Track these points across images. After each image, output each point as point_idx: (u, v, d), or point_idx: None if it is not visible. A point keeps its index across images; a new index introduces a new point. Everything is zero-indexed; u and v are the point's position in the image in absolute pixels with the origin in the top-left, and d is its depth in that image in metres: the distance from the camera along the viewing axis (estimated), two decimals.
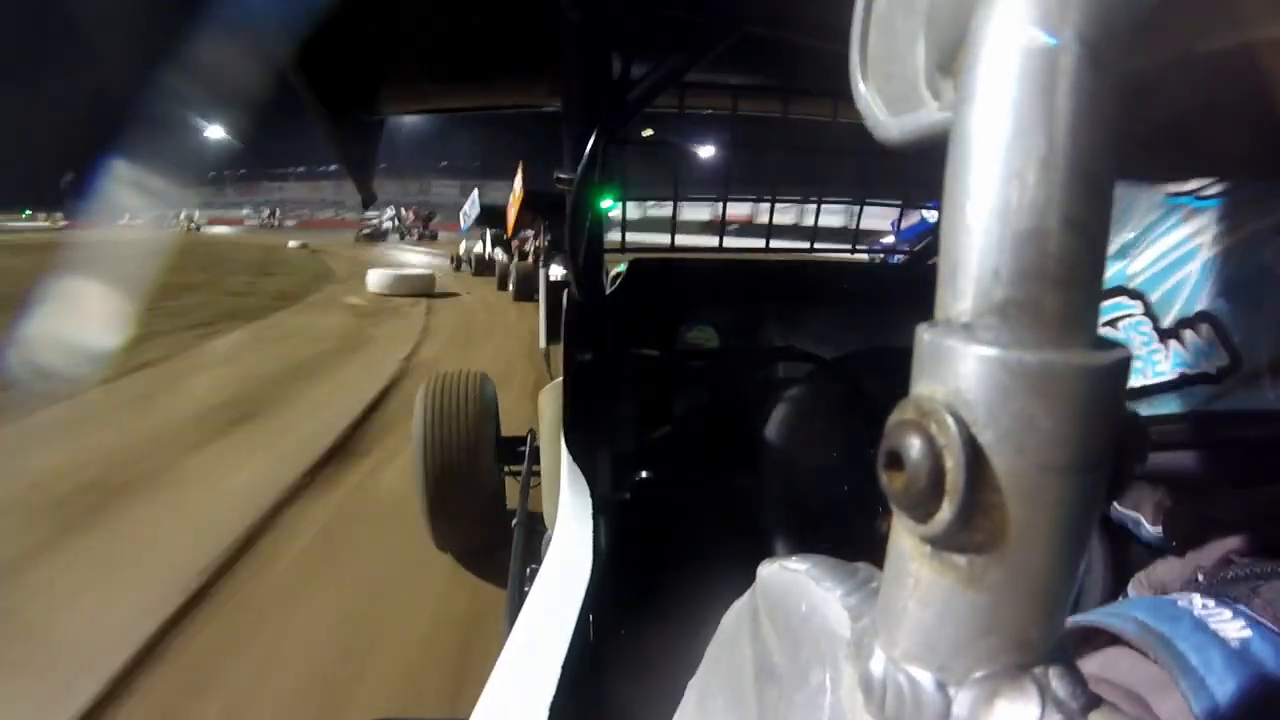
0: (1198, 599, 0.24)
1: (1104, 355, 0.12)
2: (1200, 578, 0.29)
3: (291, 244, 18.86)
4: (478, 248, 12.87)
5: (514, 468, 2.01)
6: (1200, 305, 0.31)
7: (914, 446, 0.12)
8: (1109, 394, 0.12)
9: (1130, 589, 0.34)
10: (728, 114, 1.10)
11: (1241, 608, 0.23)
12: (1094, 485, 0.12)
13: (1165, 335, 0.32)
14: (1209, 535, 0.30)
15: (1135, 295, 0.34)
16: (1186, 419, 0.31)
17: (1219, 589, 0.26)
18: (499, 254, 12.21)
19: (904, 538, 0.13)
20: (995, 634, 0.12)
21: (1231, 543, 0.29)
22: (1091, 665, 0.24)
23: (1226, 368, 0.30)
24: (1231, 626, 0.22)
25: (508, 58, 1.12)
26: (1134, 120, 0.13)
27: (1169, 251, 0.32)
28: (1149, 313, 0.33)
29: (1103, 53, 0.11)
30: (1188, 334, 0.31)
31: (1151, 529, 0.34)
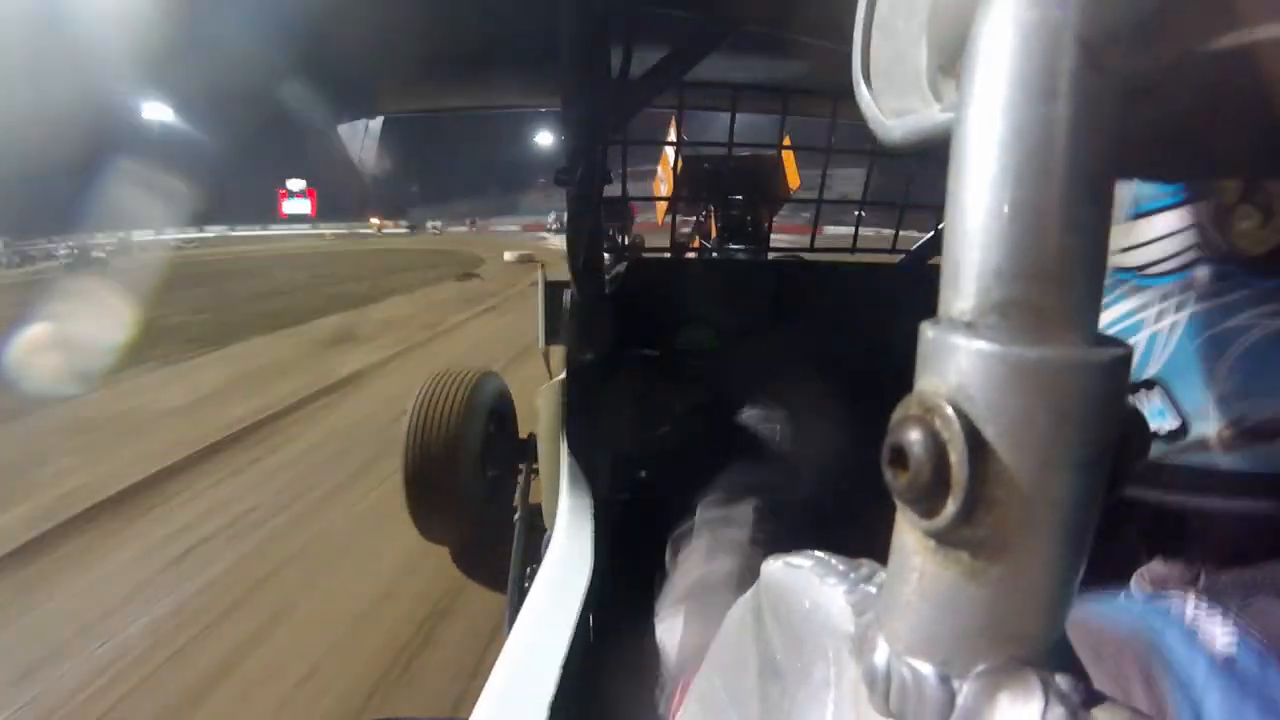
0: (1190, 606, 0.25)
1: (1103, 352, 0.12)
2: (1201, 579, 0.29)
3: (508, 256, 14.45)
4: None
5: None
6: (1149, 372, 0.33)
7: (917, 441, 0.12)
8: (1108, 390, 0.12)
9: (1133, 585, 0.34)
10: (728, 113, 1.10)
11: (1232, 619, 0.24)
12: (1094, 479, 0.12)
13: None
14: (1210, 536, 0.31)
15: None
16: (1145, 468, 0.33)
17: (1213, 593, 0.26)
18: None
19: (907, 533, 0.13)
20: (998, 628, 0.13)
21: (1232, 544, 0.30)
22: (1083, 663, 0.25)
23: (1176, 430, 0.32)
24: (1220, 636, 0.23)
25: (508, 57, 1.12)
26: (1133, 121, 0.13)
27: (1118, 320, 0.35)
28: None
29: (1103, 54, 0.12)
30: (1141, 395, 0.34)
31: None
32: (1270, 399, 0.29)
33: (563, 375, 0.99)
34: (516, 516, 1.53)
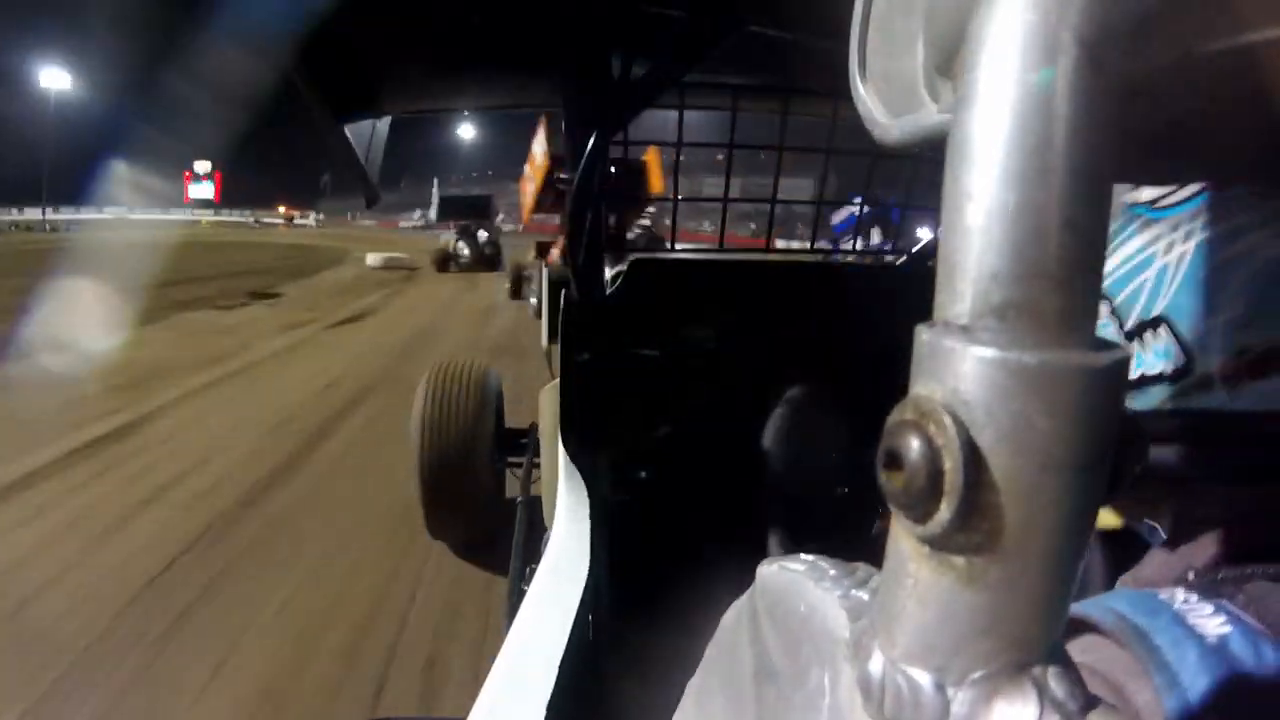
0: (1180, 594, 0.25)
1: (1102, 356, 0.12)
2: (1191, 576, 0.29)
3: (372, 260, 12.25)
4: (458, 244, 12.35)
5: (515, 459, 2.04)
6: (1157, 310, 0.33)
7: (912, 447, 0.12)
8: (1107, 394, 0.12)
9: (1118, 588, 0.34)
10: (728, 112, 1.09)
11: (1224, 604, 0.24)
12: (1092, 485, 0.12)
13: (1129, 337, 0.34)
14: (1200, 533, 0.31)
15: (1102, 298, 0.36)
16: (1148, 417, 0.33)
17: (1205, 588, 0.26)
18: (463, 248, 11.98)
19: (903, 538, 0.13)
20: (994, 634, 0.12)
21: (1223, 541, 0.30)
22: (1070, 654, 0.24)
23: (1181, 369, 0.32)
24: (1211, 623, 0.23)
25: (508, 57, 1.12)
26: (1132, 122, 0.13)
27: (1130, 258, 0.35)
28: (1114, 315, 0.35)
29: (1101, 55, 0.11)
30: (1147, 336, 0.33)
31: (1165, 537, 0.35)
32: (1273, 325, 0.28)
33: (562, 376, 0.98)
34: (517, 513, 1.53)
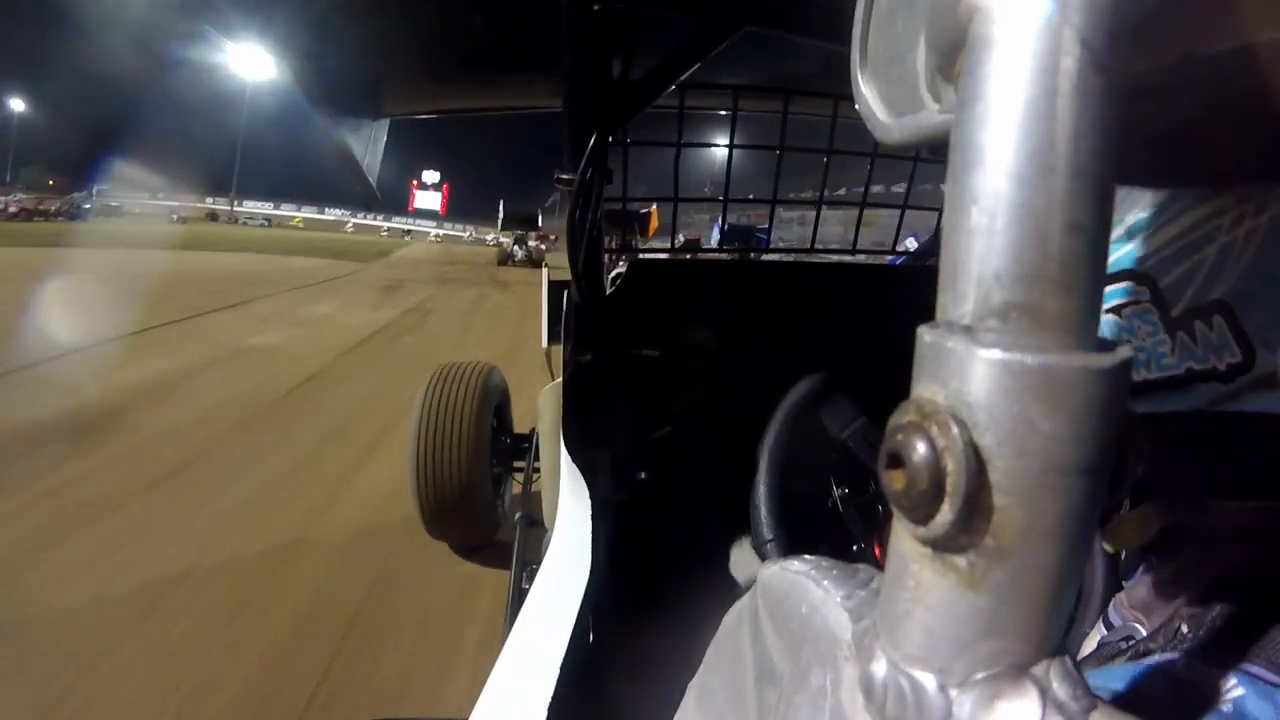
0: (1179, 658, 0.23)
1: (1105, 357, 0.12)
2: (1184, 628, 0.27)
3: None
4: (514, 248, 18.68)
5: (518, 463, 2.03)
6: (1215, 294, 0.28)
7: (915, 448, 0.12)
8: (1111, 396, 0.12)
9: (1111, 610, 0.33)
10: (728, 113, 1.09)
11: (1228, 663, 0.22)
12: (1095, 487, 0.12)
13: (1174, 326, 0.29)
14: (1193, 552, 0.29)
15: (1143, 280, 0.30)
16: (1190, 419, 0.29)
17: (1204, 638, 0.25)
18: (518, 251, 18.52)
19: (905, 539, 0.13)
20: (996, 635, 0.12)
21: (1216, 561, 0.28)
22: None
23: (1238, 365, 0.27)
24: (1221, 687, 0.21)
25: (509, 58, 1.12)
26: (1134, 122, 0.13)
27: (1186, 232, 0.29)
28: (1157, 300, 0.30)
29: (1104, 56, 0.11)
30: (1199, 325, 0.28)
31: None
32: None
33: (563, 376, 0.99)
34: (517, 515, 1.53)
